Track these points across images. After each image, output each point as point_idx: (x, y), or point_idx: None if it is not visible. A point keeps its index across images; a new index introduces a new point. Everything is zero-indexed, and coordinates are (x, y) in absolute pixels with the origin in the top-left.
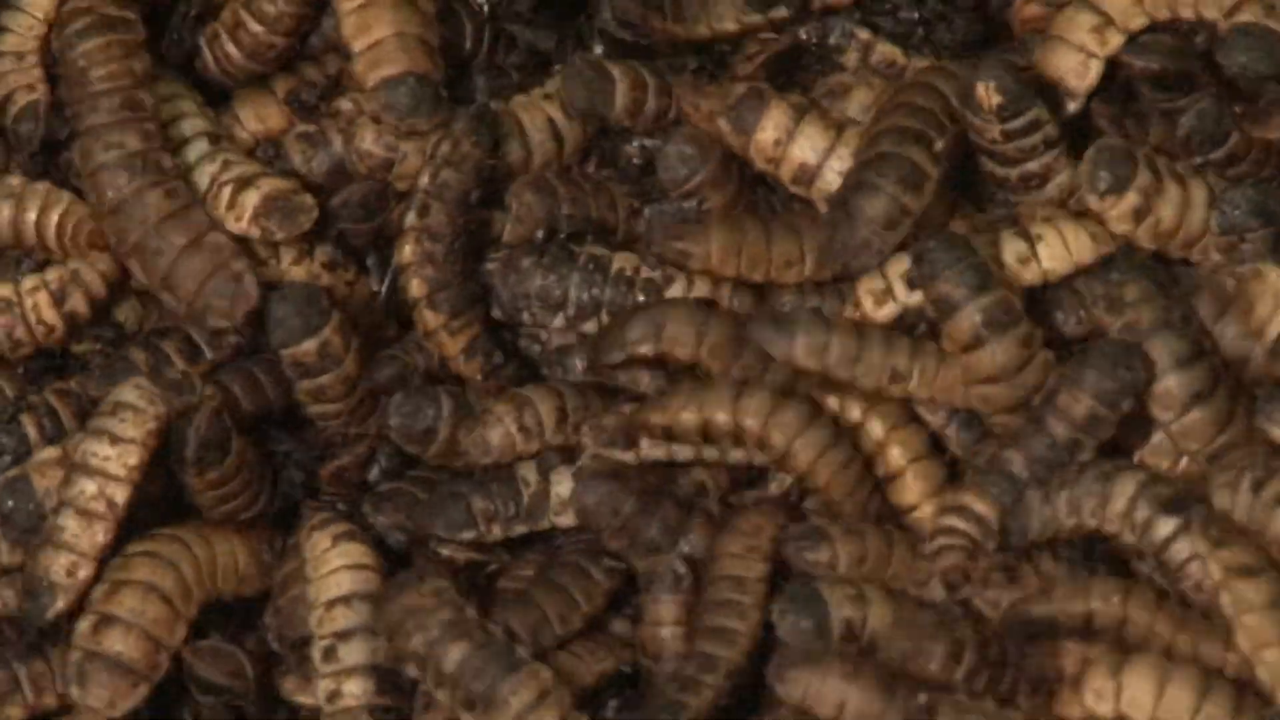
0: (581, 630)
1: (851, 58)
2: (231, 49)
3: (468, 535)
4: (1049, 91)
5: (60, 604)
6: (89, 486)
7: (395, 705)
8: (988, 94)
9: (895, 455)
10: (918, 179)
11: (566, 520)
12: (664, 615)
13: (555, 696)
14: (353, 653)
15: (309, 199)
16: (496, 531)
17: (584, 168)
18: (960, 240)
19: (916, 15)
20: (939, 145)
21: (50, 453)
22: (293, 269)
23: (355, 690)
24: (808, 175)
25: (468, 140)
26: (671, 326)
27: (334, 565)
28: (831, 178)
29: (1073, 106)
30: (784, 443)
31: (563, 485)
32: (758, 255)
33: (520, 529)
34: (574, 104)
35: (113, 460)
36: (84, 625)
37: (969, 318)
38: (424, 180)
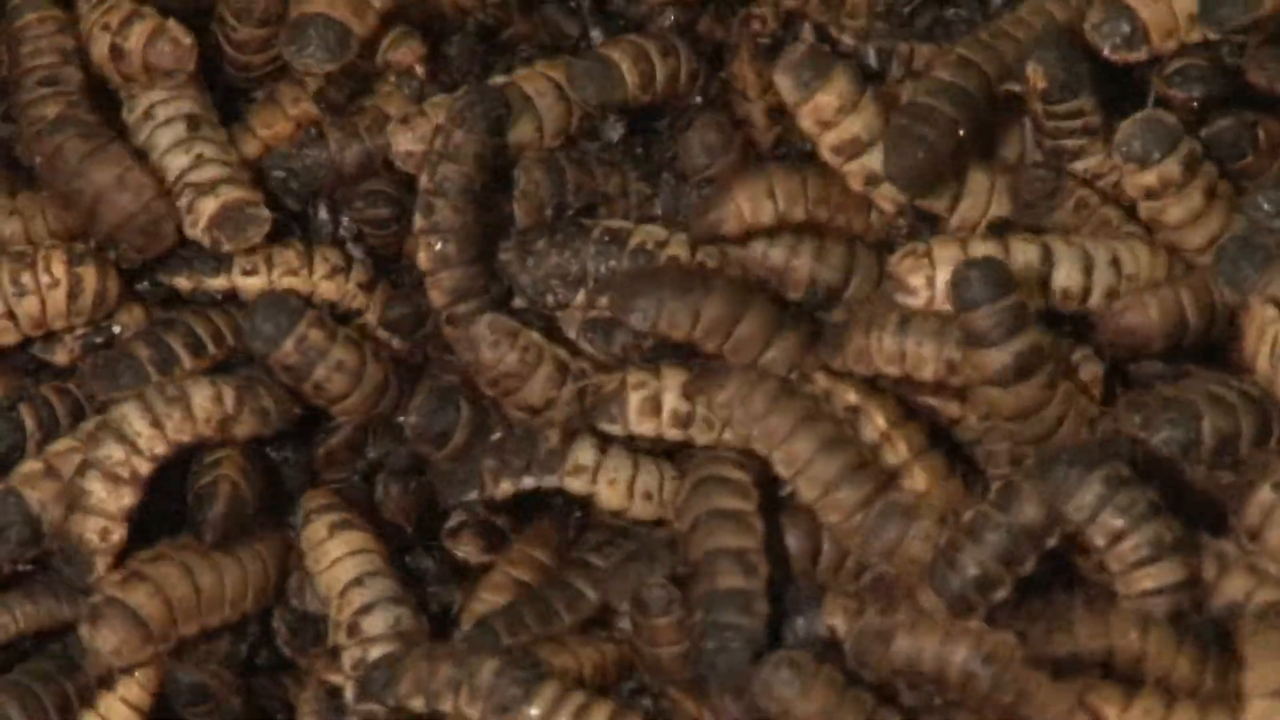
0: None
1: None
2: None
3: (471, 495)
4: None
5: (100, 566)
6: (116, 452)
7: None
8: (1035, 76)
9: (901, 449)
10: (969, 102)
11: (579, 485)
12: (661, 638)
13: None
14: (375, 624)
15: (265, 212)
16: (506, 486)
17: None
18: (1003, 272)
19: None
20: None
21: (33, 465)
22: (323, 283)
23: (375, 651)
24: (855, 150)
25: (459, 130)
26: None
27: (336, 555)
28: (876, 158)
29: None
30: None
31: (586, 453)
32: (793, 190)
33: (529, 481)
34: (588, 102)
35: (144, 438)
36: (115, 575)
37: (1000, 360)
38: (424, 180)
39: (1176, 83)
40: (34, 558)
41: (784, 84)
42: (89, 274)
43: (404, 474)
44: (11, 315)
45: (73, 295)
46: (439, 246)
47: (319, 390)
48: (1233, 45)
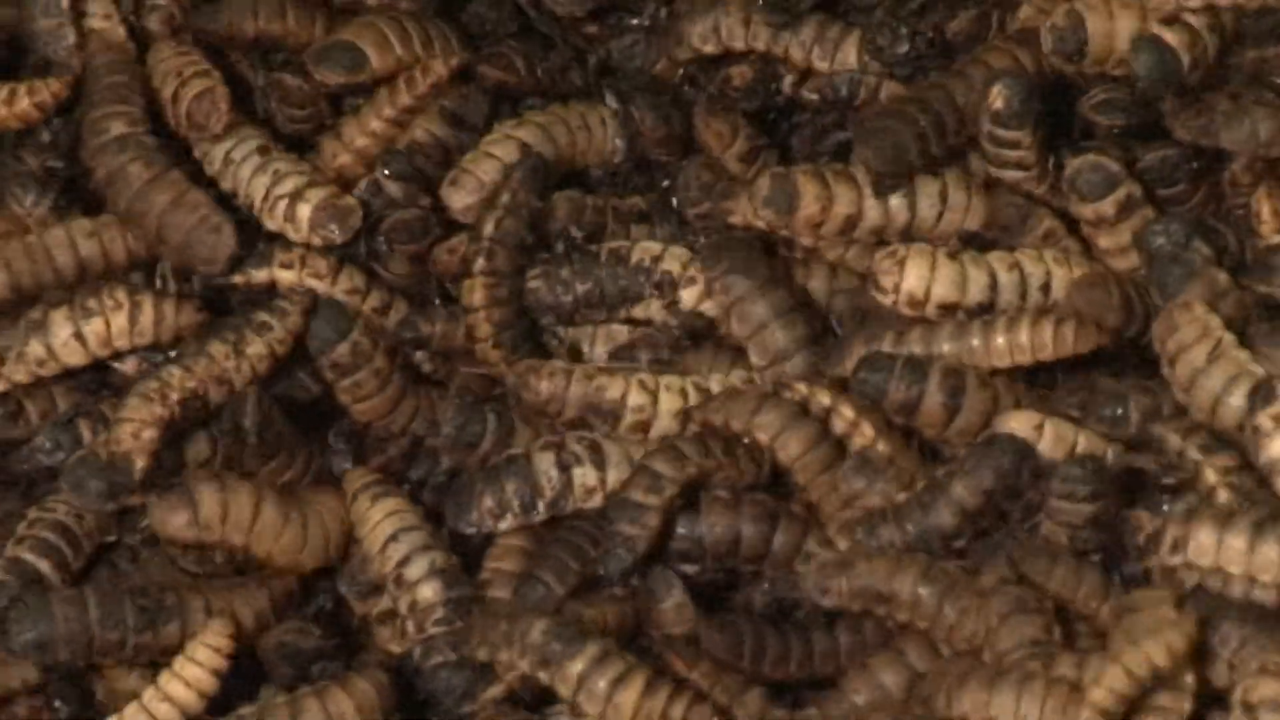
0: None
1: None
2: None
3: (470, 529)
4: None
5: (140, 463)
6: (152, 384)
7: (463, 596)
8: (995, 95)
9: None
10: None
11: (595, 503)
12: (670, 619)
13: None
14: (416, 570)
15: (351, 199)
16: (508, 522)
17: None
18: (884, 359)
19: (907, 48)
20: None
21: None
22: (340, 297)
23: (428, 594)
24: (852, 223)
25: (524, 190)
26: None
27: (376, 519)
28: (873, 215)
29: None
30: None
31: (588, 475)
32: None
33: (540, 517)
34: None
35: (176, 378)
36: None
37: (934, 400)
38: (489, 228)
39: (1102, 111)
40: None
41: (767, 216)
42: (146, 300)
43: (444, 489)
44: (80, 336)
45: (133, 319)
46: (495, 291)
47: (355, 388)
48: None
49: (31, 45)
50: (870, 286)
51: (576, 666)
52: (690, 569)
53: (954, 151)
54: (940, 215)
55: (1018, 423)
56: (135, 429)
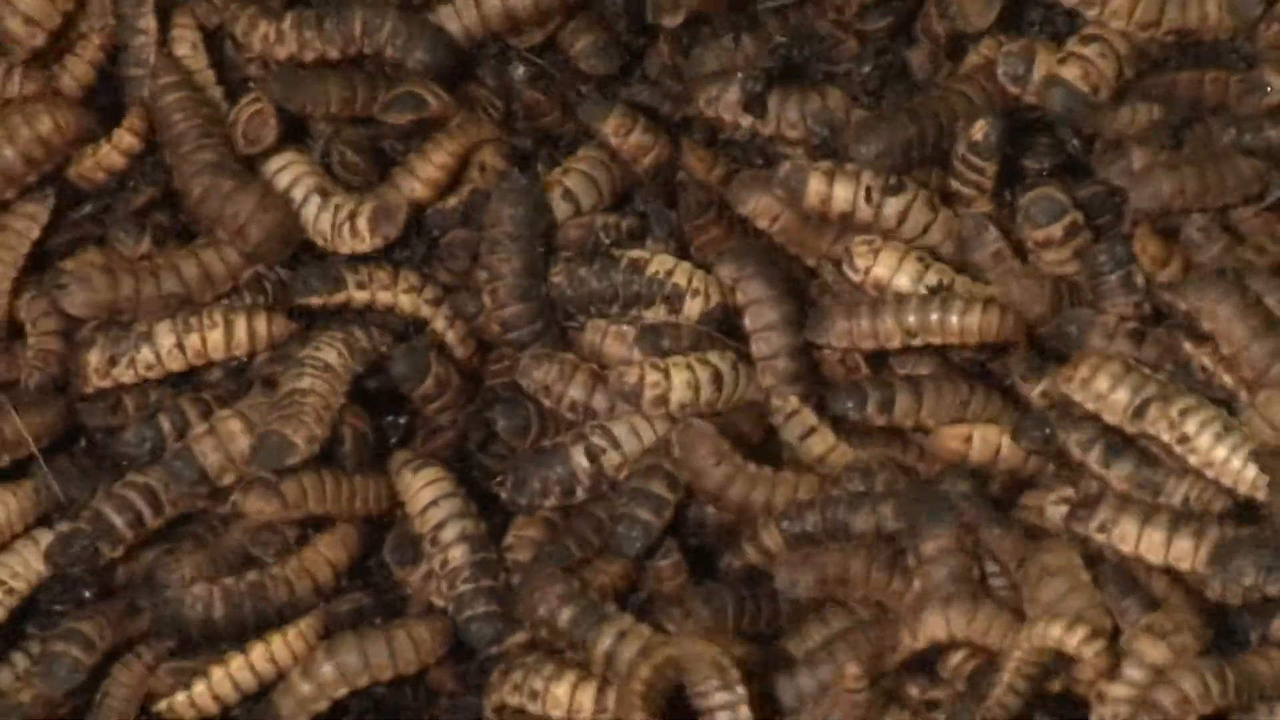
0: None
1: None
2: None
3: (522, 503)
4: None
5: (302, 448)
6: (312, 399)
7: (488, 559)
8: (978, 128)
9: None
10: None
11: (623, 475)
12: (666, 575)
13: (634, 632)
14: (448, 534)
15: (397, 197)
16: (552, 501)
17: None
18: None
19: (867, 70)
20: None
21: (199, 428)
22: (402, 297)
23: (457, 556)
24: (846, 218)
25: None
26: None
27: (418, 487)
28: (863, 213)
29: None
30: None
31: (612, 457)
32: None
33: (580, 499)
34: None
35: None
36: None
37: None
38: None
39: (1029, 157)
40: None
41: (780, 194)
42: (239, 318)
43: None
44: (180, 346)
45: (228, 335)
46: (506, 309)
47: (425, 397)
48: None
49: (127, 91)
50: (844, 264)
51: (604, 644)
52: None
53: (924, 162)
54: (924, 228)
55: (950, 438)
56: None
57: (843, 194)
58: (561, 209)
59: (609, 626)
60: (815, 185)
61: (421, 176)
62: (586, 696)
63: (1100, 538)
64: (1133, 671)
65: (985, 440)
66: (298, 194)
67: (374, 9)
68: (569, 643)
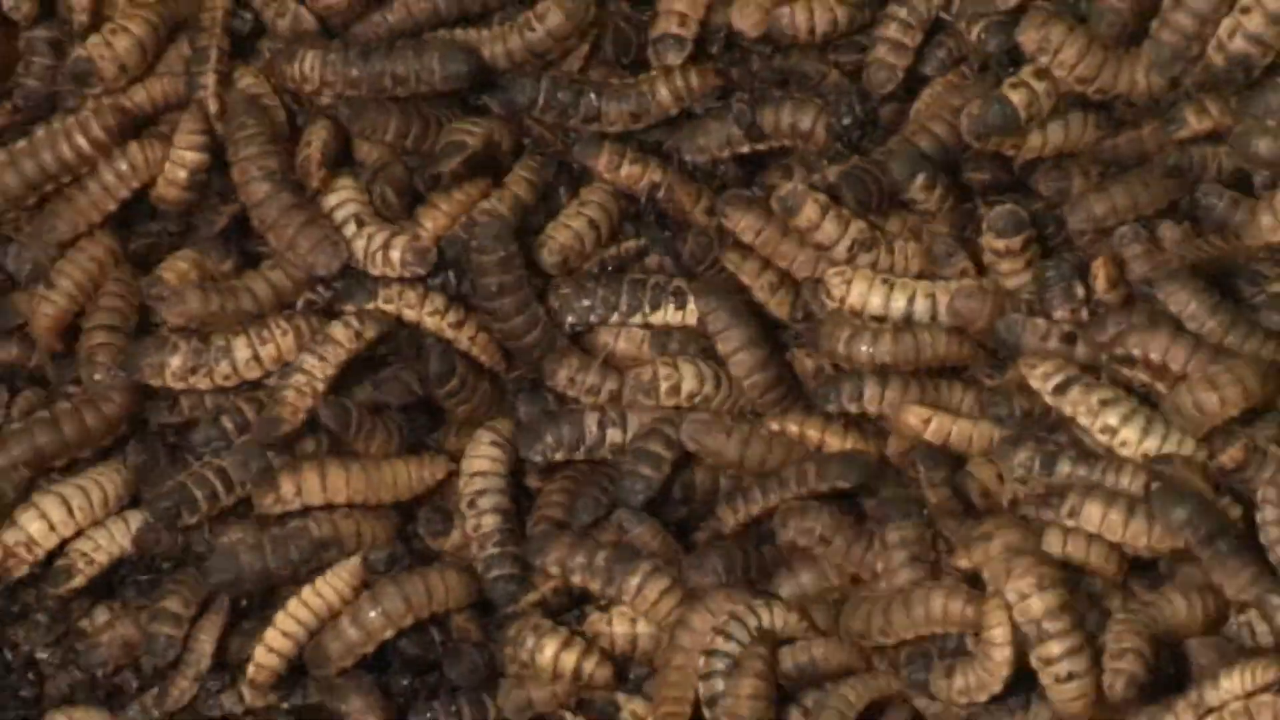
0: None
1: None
2: None
3: (535, 456)
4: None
5: (286, 424)
6: (300, 379)
7: (514, 530)
8: (921, 184)
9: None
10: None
11: (614, 454)
12: (644, 537)
13: (660, 573)
14: (485, 503)
15: (426, 240)
16: (560, 455)
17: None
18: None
19: (850, 119)
20: None
21: None
22: (427, 318)
23: (489, 522)
24: (828, 244)
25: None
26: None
27: (478, 454)
28: (842, 246)
29: None
30: None
31: (616, 434)
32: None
33: (580, 456)
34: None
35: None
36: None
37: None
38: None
39: (970, 169)
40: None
41: (776, 210)
42: (303, 324)
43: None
44: (256, 358)
45: (299, 340)
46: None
47: (461, 403)
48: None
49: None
50: (820, 292)
51: (634, 580)
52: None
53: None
54: (889, 267)
55: (912, 416)
56: (292, 412)
57: (830, 230)
58: (589, 237)
59: (643, 564)
60: (809, 211)
61: (445, 210)
62: (569, 658)
63: (1070, 522)
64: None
65: (942, 425)
66: (339, 216)
67: (393, 55)
68: (604, 579)
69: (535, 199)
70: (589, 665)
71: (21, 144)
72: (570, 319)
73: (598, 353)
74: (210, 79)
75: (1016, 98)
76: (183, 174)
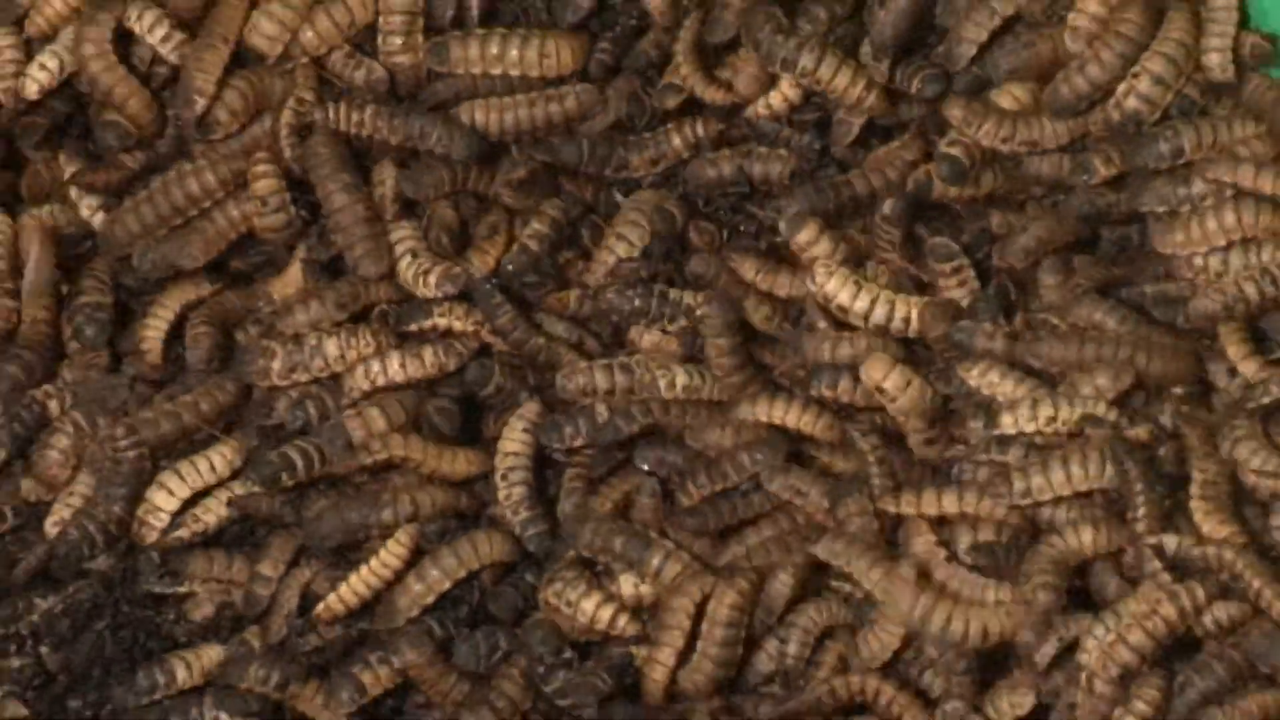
0: None
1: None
2: None
3: (556, 444)
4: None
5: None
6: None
7: (536, 499)
8: (886, 205)
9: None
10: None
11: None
12: (648, 509)
13: (675, 554)
14: (516, 475)
15: (457, 269)
16: (578, 442)
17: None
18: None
19: (818, 145)
20: None
21: (351, 411)
22: (469, 327)
23: (516, 493)
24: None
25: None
26: None
27: (513, 438)
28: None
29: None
30: None
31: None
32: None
33: (583, 443)
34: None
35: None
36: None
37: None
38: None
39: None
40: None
41: (781, 232)
42: (381, 335)
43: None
44: (343, 356)
45: (379, 345)
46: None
47: (487, 397)
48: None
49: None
50: (808, 278)
51: (653, 562)
52: None
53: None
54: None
55: (876, 364)
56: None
57: (825, 245)
58: (621, 249)
59: (660, 549)
60: (806, 235)
61: (491, 252)
62: (605, 613)
63: (1026, 501)
64: None
65: (901, 376)
66: (399, 250)
67: (427, 118)
68: (625, 563)
69: (560, 234)
70: (621, 621)
71: (158, 182)
72: (614, 318)
73: (628, 345)
74: (289, 126)
75: (955, 150)
76: (272, 194)
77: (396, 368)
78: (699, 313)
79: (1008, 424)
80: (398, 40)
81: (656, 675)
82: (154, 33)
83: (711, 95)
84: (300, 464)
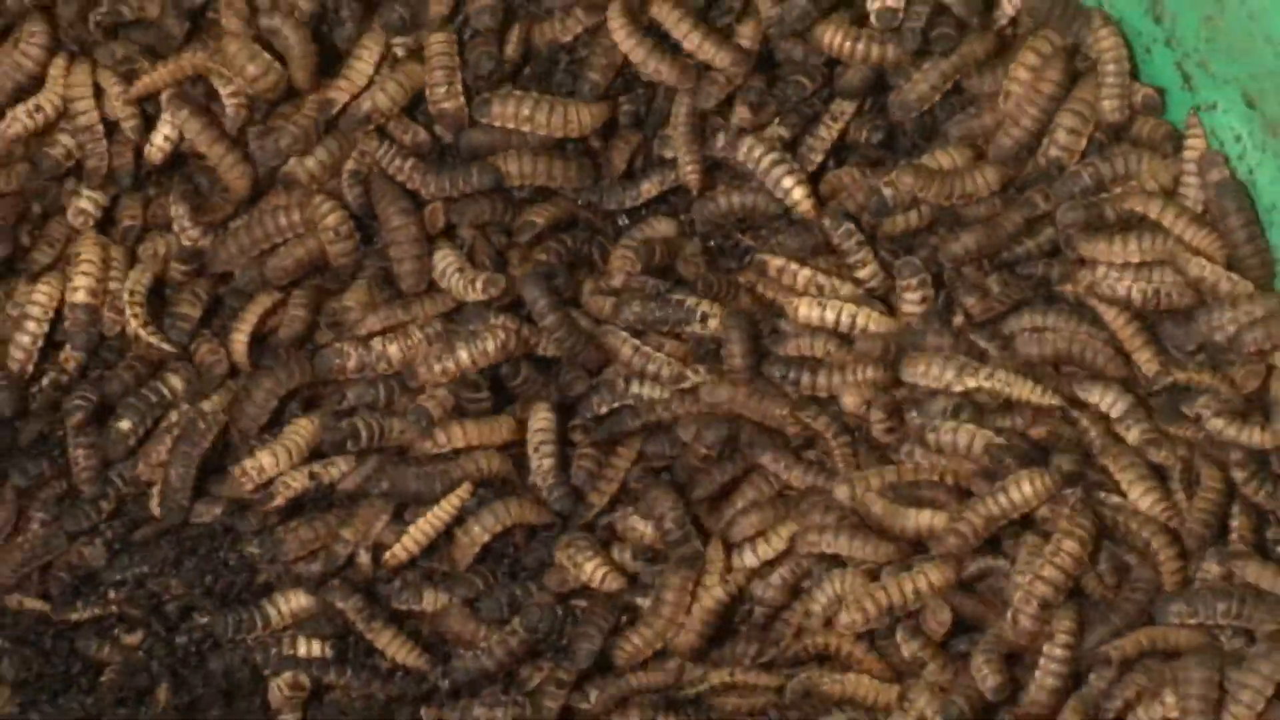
0: None
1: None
2: None
3: (589, 414)
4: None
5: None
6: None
7: (561, 467)
8: (834, 221)
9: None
10: None
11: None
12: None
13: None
14: (544, 449)
15: (501, 278)
16: (602, 410)
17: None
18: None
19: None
20: None
21: (427, 393)
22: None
23: (546, 464)
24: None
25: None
26: None
27: (540, 417)
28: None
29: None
30: None
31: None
32: None
33: (617, 405)
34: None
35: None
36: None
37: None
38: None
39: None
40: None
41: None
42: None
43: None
44: (404, 358)
45: (505, 344)
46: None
47: (517, 386)
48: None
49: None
50: (788, 304)
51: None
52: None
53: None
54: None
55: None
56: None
57: (800, 273)
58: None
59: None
60: (778, 263)
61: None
62: (599, 573)
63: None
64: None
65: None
66: (447, 269)
67: (458, 170)
68: (664, 544)
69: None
70: (611, 581)
71: (255, 213)
72: (640, 325)
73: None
74: (350, 173)
75: (888, 192)
76: (340, 218)
77: (465, 358)
78: (720, 331)
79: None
80: (441, 90)
81: (637, 643)
82: (232, 104)
83: (690, 176)
84: (365, 437)
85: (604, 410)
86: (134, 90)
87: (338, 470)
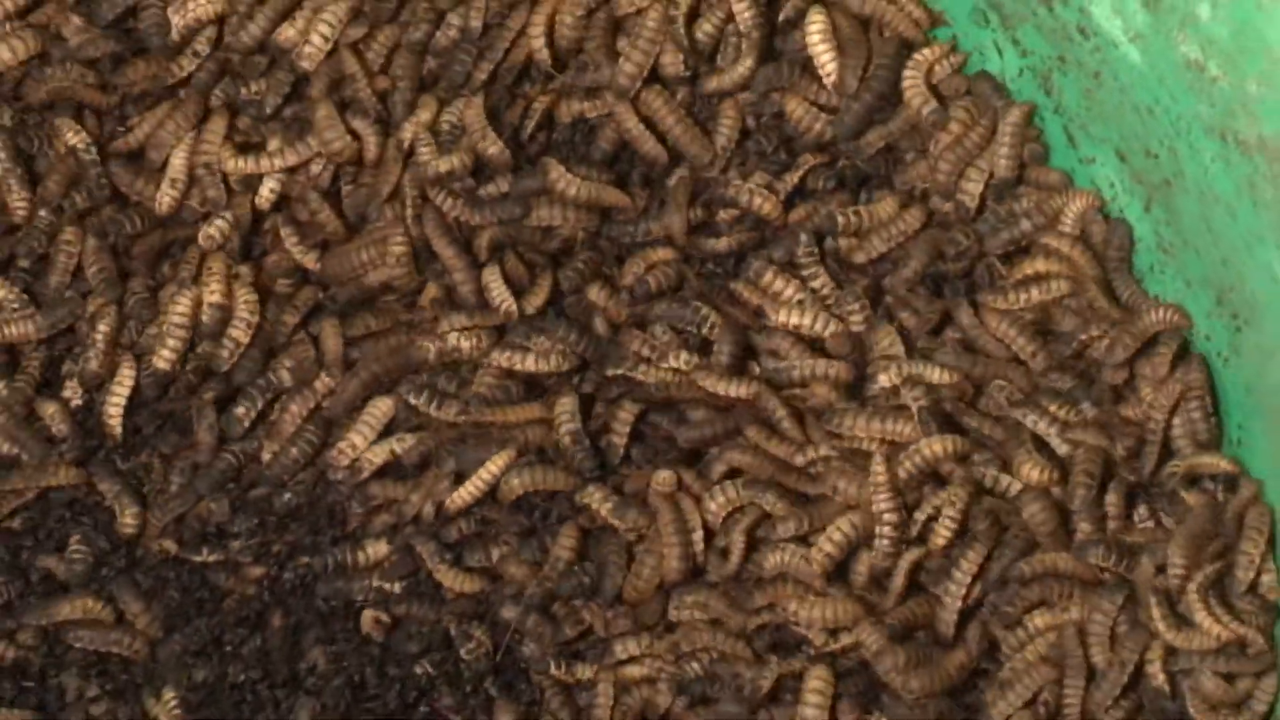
0: None
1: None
2: None
3: (609, 371)
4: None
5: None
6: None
7: (585, 437)
8: (803, 243)
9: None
10: None
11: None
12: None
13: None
14: (566, 425)
15: (515, 310)
16: (621, 371)
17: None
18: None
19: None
20: None
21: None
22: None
23: (567, 438)
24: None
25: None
26: None
27: (560, 399)
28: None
29: None
30: None
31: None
32: None
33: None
34: None
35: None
36: None
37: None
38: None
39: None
40: None
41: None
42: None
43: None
44: (466, 352)
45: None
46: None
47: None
48: None
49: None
50: (770, 310)
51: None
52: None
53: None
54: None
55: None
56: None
57: (785, 290)
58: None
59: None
60: (767, 277)
61: (544, 286)
62: (605, 507)
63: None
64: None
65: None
66: (485, 280)
67: (497, 204)
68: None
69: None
70: (605, 511)
71: (355, 242)
72: (660, 325)
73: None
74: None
75: (841, 220)
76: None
77: (532, 363)
78: (713, 336)
79: (883, 380)
80: (478, 136)
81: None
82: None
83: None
84: (435, 400)
85: (620, 371)
86: (249, 168)
87: (405, 445)
